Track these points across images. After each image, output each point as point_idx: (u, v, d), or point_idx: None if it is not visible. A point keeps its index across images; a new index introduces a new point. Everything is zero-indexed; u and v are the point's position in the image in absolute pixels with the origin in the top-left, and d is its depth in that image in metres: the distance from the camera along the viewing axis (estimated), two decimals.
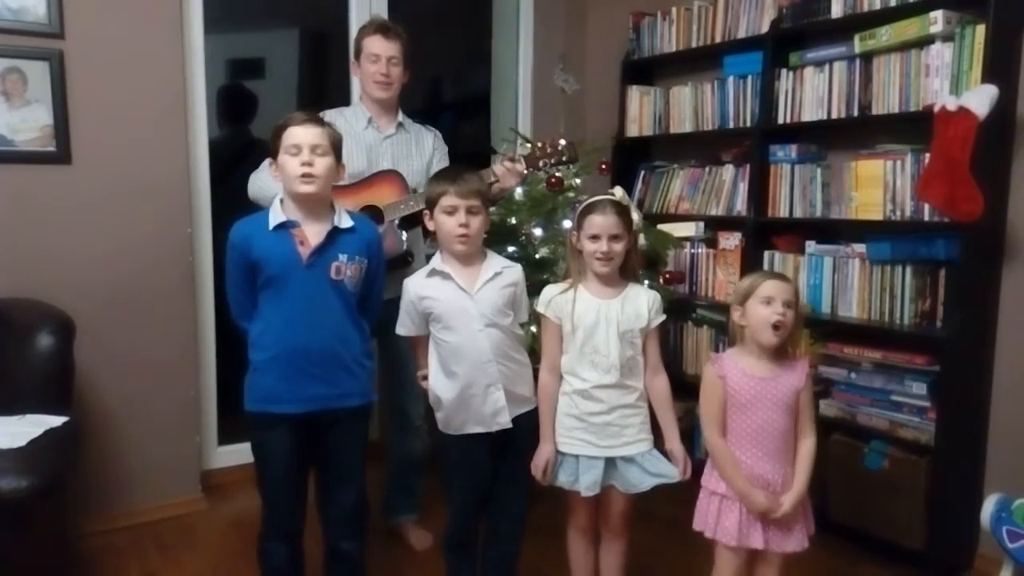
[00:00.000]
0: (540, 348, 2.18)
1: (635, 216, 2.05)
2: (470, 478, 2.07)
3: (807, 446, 1.93)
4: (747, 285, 1.95)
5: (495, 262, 2.06)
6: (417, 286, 2.03)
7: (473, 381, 1.99)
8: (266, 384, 1.94)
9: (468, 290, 1.99)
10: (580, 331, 2.01)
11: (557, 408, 2.07)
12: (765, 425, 1.90)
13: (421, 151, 2.62)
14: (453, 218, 1.96)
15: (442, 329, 2.01)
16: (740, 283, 2.02)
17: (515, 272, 2.09)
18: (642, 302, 2.04)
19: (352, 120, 2.53)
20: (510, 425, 2.01)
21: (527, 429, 2.06)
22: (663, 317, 2.08)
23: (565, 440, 2.05)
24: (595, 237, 1.99)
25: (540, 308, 2.07)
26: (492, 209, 2.90)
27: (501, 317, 2.01)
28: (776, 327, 1.88)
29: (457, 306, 1.98)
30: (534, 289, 2.60)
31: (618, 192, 2.07)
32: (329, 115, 2.42)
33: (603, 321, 2.00)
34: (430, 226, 2.04)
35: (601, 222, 1.98)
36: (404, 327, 2.08)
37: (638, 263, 2.15)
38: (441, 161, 2.66)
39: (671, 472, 2.04)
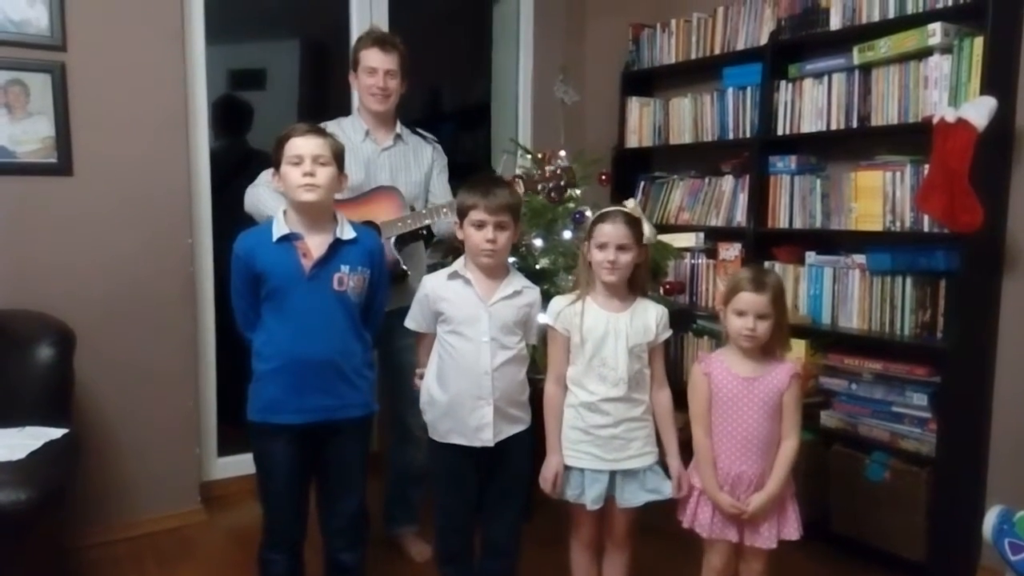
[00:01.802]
0: (541, 360, 2.18)
1: (647, 230, 2.04)
2: (454, 490, 2.08)
3: (787, 448, 1.95)
4: (727, 290, 1.99)
5: (516, 280, 2.07)
6: (435, 285, 2.05)
7: (466, 390, 1.99)
8: (268, 394, 1.95)
9: (484, 300, 2.00)
10: (589, 344, 2.01)
11: (566, 420, 2.06)
12: (747, 426, 1.93)
13: (419, 163, 2.61)
14: (481, 232, 1.97)
15: (450, 332, 2.02)
16: (727, 282, 2.06)
17: (533, 293, 2.09)
18: (651, 316, 2.04)
19: (350, 132, 2.53)
20: (491, 444, 2.01)
21: (518, 449, 2.07)
22: (670, 332, 2.08)
23: (571, 453, 2.04)
24: (603, 246, 2.00)
25: (548, 319, 2.07)
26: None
27: (509, 334, 2.02)
28: (744, 336, 1.93)
29: (470, 313, 1.99)
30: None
31: (630, 204, 2.07)
32: (327, 127, 2.43)
33: (612, 334, 2.00)
34: (460, 235, 2.04)
35: (609, 231, 1.99)
36: (414, 321, 2.10)
37: (647, 278, 2.14)
38: (440, 174, 2.66)
39: (666, 489, 2.04)
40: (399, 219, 2.39)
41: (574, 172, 2.57)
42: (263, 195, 2.34)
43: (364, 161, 2.51)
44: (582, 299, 2.04)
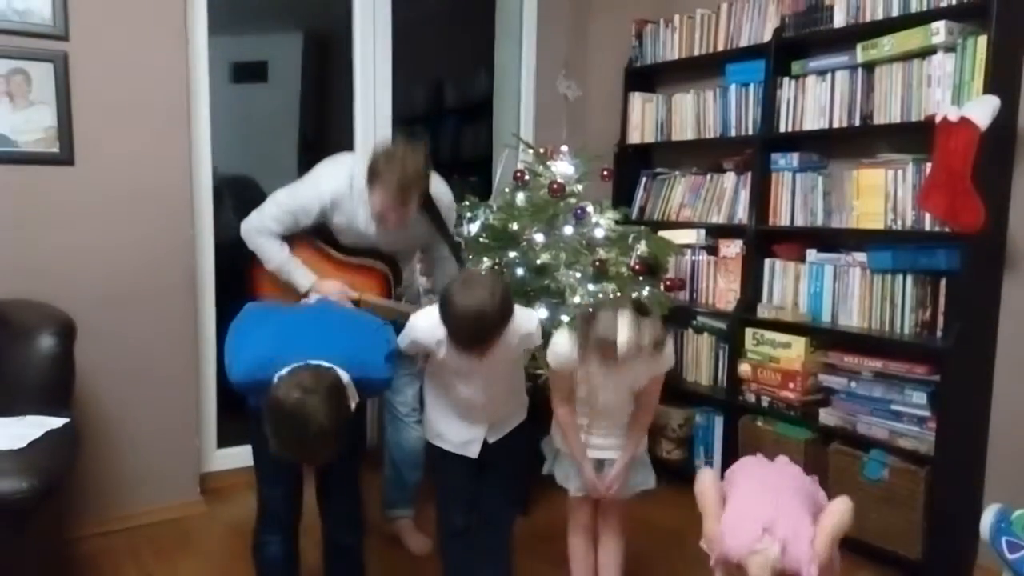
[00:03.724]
0: (541, 357, 2.21)
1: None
2: (448, 483, 2.14)
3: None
4: None
5: (512, 323, 1.93)
6: (429, 336, 1.96)
7: (460, 415, 2.06)
8: None
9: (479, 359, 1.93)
10: (584, 386, 2.03)
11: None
12: None
13: (421, 235, 2.50)
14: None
15: (447, 370, 2.03)
16: None
17: (528, 328, 2.03)
18: (642, 368, 1.98)
19: (359, 207, 2.35)
20: (475, 456, 2.06)
21: (513, 440, 2.12)
22: (670, 364, 2.06)
23: (561, 438, 2.12)
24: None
25: (549, 359, 2.05)
26: (491, 218, 2.91)
27: (503, 373, 2.05)
28: None
29: (462, 367, 1.98)
30: (536, 296, 2.61)
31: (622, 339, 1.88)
32: (335, 184, 2.32)
33: (611, 385, 1.99)
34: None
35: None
36: (406, 347, 2.06)
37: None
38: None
39: (648, 482, 2.12)
40: (381, 302, 2.37)
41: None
42: (264, 247, 2.34)
43: (366, 237, 2.41)
44: (581, 364, 1.97)
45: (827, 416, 2.79)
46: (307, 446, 1.67)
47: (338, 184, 2.33)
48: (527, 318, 2.04)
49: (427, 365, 2.12)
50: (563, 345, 1.99)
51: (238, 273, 2.54)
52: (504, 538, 2.19)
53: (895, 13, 2.66)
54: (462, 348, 1.87)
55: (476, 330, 1.82)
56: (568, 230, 2.86)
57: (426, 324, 1.96)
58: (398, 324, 2.08)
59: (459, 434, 2.06)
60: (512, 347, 2.00)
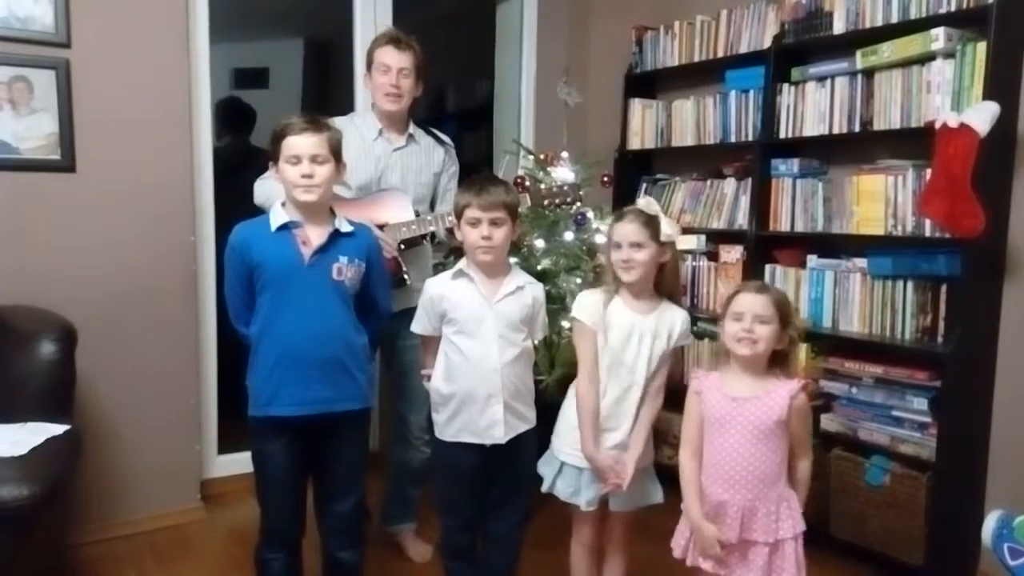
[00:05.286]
0: (542, 362, 2.19)
1: (666, 228, 1.98)
2: (462, 488, 2.08)
3: (802, 468, 1.86)
4: (728, 299, 1.90)
5: (519, 276, 2.07)
6: (440, 286, 2.04)
7: (475, 389, 1.99)
8: (268, 388, 1.94)
9: (488, 299, 2.00)
10: (611, 343, 2.01)
11: (569, 418, 2.07)
12: (731, 451, 1.81)
13: (430, 165, 2.60)
14: (476, 230, 1.97)
15: (456, 333, 2.02)
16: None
17: (536, 289, 2.09)
18: (674, 322, 2.02)
19: (363, 129, 2.52)
20: (503, 440, 2.01)
21: (525, 447, 2.07)
22: (688, 340, 2.06)
23: (571, 452, 2.05)
24: (617, 245, 2.00)
25: (575, 312, 2.06)
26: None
27: (515, 331, 2.02)
28: (740, 341, 1.80)
29: (475, 313, 2.00)
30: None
31: (641, 202, 2.05)
32: (339, 122, 2.43)
33: (636, 336, 1.99)
34: (458, 236, 2.05)
35: (620, 230, 1.99)
36: (420, 325, 2.10)
37: (674, 280, 2.07)
38: (451, 180, 2.64)
39: (657, 496, 2.05)
40: (404, 223, 2.39)
41: (579, 189, 2.57)
42: (271, 184, 2.34)
43: (375, 159, 2.50)
44: (609, 297, 2.03)
45: (828, 422, 2.78)
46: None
47: (340, 120, 2.42)
48: (539, 285, 2.12)
49: (439, 344, 2.08)
50: (588, 295, 2.07)
51: None
52: (512, 562, 2.16)
53: (894, 19, 2.66)
54: (474, 190, 1.98)
55: (490, 177, 2.13)
56: (568, 236, 2.86)
57: (439, 279, 2.07)
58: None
59: (481, 415, 1.99)
60: (520, 302, 2.02)
